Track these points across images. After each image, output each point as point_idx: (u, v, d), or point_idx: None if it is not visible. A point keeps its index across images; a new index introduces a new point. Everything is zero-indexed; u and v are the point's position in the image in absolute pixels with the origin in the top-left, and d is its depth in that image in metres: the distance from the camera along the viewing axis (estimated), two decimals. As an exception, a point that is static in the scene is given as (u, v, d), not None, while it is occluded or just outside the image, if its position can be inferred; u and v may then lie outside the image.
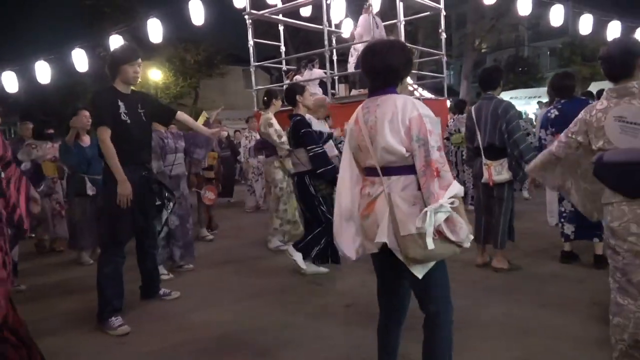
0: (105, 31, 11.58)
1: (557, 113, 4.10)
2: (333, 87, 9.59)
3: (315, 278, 4.17)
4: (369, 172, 2.08)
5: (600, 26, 10.18)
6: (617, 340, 2.16)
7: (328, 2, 9.40)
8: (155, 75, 19.86)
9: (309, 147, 3.97)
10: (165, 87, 20.62)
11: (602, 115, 2.12)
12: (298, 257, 4.07)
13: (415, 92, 8.20)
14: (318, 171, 3.99)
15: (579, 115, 2.30)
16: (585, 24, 9.99)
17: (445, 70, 10.10)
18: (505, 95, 19.29)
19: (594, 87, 13.24)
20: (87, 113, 5.02)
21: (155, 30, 8.96)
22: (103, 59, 14.64)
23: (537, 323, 2.98)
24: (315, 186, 4.03)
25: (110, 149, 3.28)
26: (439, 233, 1.83)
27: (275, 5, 9.94)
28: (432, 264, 1.90)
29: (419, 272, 1.89)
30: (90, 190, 5.08)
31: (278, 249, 5.22)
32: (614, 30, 10.20)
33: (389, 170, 1.97)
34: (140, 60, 3.42)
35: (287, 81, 10.14)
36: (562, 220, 4.21)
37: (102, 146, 3.30)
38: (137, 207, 3.40)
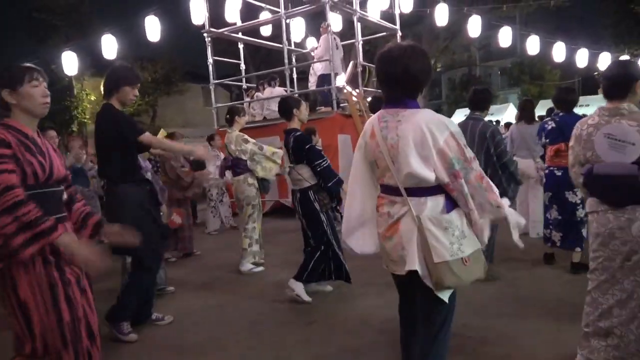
0: (57, 47, 11.25)
1: (553, 125, 4.32)
2: (293, 105, 9.68)
3: (278, 296, 4.13)
4: (386, 189, 1.96)
5: (545, 47, 10.79)
6: (583, 326, 2.46)
7: (288, 21, 9.54)
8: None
9: (315, 163, 3.83)
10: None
11: (593, 130, 2.35)
12: (299, 288, 3.91)
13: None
14: (327, 185, 3.86)
15: (573, 131, 2.53)
16: (532, 45, 10.58)
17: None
18: (460, 113, 19.98)
19: (541, 106, 13.92)
20: (53, 133, 4.80)
21: (109, 46, 8.79)
22: (55, 74, 14.21)
23: (494, 333, 3.06)
24: (320, 201, 3.89)
25: (165, 142, 3.58)
26: (468, 259, 1.81)
27: (235, 24, 9.98)
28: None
29: (445, 296, 1.86)
30: None
31: (251, 271, 5.05)
32: (558, 51, 10.84)
33: (413, 191, 1.85)
34: (139, 84, 3.43)
35: (248, 99, 10.15)
36: (550, 227, 4.44)
37: (160, 144, 3.52)
38: (151, 219, 3.40)
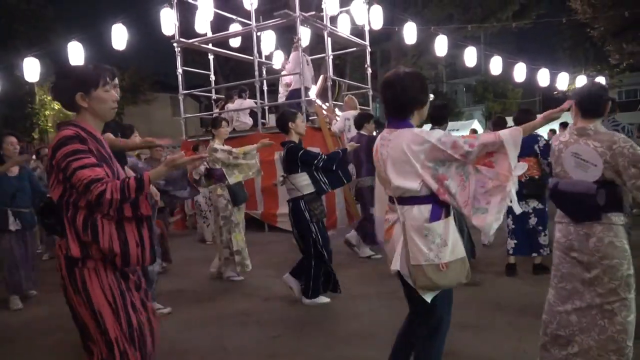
0: (18, 52, 10.90)
1: None
2: (263, 117, 9.66)
3: (245, 310, 4.08)
4: (389, 198, 2.20)
5: (508, 67, 11.20)
6: (542, 335, 2.55)
7: (258, 34, 9.56)
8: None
9: (314, 162, 3.98)
10: (86, 113, 19.62)
11: (563, 147, 2.49)
12: (315, 302, 4.06)
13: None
14: (339, 164, 4.06)
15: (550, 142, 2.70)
16: (495, 65, 10.96)
17: (371, 104, 10.55)
18: (427, 127, 20.37)
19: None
20: (13, 139, 4.55)
21: (75, 53, 8.59)
22: (17, 80, 13.75)
23: (457, 346, 3.08)
24: (310, 211, 3.98)
25: (127, 141, 3.34)
26: (445, 266, 1.97)
27: (205, 34, 9.94)
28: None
29: (428, 297, 2.03)
30: (14, 226, 4.55)
31: (230, 279, 5.14)
32: (519, 71, 11.26)
33: (403, 200, 2.09)
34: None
35: (217, 110, 10.07)
36: (507, 236, 4.65)
37: (122, 145, 3.29)
38: None
